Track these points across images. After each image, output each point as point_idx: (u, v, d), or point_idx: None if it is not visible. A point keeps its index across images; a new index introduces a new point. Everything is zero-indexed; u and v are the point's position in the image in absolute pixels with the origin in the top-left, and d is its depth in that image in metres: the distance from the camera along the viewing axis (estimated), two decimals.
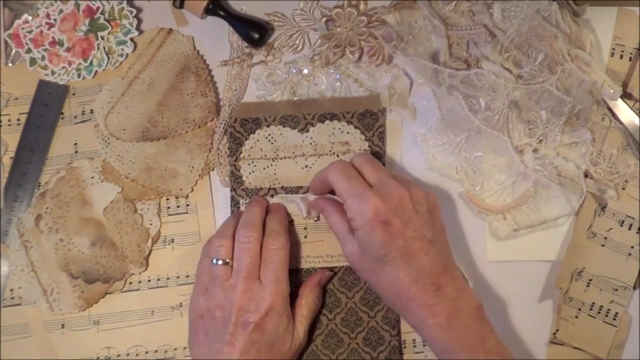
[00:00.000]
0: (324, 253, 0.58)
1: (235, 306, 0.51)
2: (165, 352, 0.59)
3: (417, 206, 0.51)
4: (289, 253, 0.55)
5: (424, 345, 0.58)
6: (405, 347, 0.58)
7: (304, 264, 0.58)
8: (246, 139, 0.60)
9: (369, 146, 0.59)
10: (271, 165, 0.60)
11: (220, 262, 0.53)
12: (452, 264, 0.52)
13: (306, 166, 0.60)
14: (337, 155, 0.60)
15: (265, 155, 0.60)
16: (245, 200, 0.60)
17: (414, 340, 0.58)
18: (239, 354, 0.50)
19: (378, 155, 0.59)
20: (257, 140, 0.60)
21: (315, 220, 0.59)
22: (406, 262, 0.49)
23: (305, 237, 0.59)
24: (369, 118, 0.60)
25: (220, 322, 0.52)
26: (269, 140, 0.60)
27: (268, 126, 0.60)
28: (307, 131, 0.60)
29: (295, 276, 0.58)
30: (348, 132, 0.60)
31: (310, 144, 0.60)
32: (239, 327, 0.51)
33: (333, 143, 0.60)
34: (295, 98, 0.62)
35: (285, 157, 0.60)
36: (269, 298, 0.51)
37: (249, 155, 0.60)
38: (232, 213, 0.60)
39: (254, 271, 0.53)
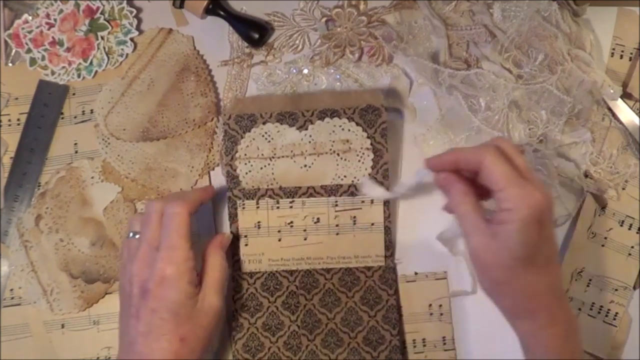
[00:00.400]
0: (324, 255, 0.58)
1: (135, 277, 0.51)
2: None
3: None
4: (188, 220, 0.52)
5: (424, 346, 0.58)
6: (405, 348, 0.58)
7: (304, 266, 0.58)
8: (241, 137, 0.59)
9: (371, 144, 0.58)
10: (268, 164, 0.59)
11: (133, 235, 0.53)
12: None
13: (305, 165, 0.59)
14: (338, 154, 0.58)
15: (262, 155, 0.59)
16: (243, 201, 0.58)
17: (414, 340, 0.58)
18: (143, 325, 0.50)
19: (380, 153, 0.58)
20: (253, 139, 0.59)
21: (315, 222, 0.58)
22: (547, 267, 0.47)
23: (305, 239, 0.58)
24: (371, 114, 0.58)
25: (127, 295, 0.51)
26: (266, 139, 0.59)
27: (264, 123, 0.59)
28: (306, 129, 0.58)
29: (295, 277, 0.58)
30: (349, 130, 0.58)
31: (309, 142, 0.58)
32: (140, 298, 0.50)
33: (333, 141, 0.58)
34: (293, 91, 0.61)
35: (283, 156, 0.58)
36: (161, 265, 0.50)
37: (245, 155, 0.59)
38: (229, 214, 0.59)
39: (153, 241, 0.51)
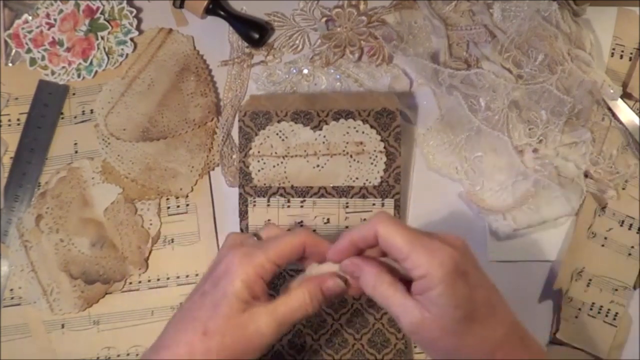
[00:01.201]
0: None
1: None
2: None
3: (474, 255, 0.45)
4: (296, 250, 0.47)
5: None
6: (405, 348, 0.58)
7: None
8: (256, 134, 0.59)
9: (385, 147, 0.58)
10: (281, 163, 0.59)
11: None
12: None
13: (318, 166, 0.58)
14: (351, 156, 0.58)
15: (276, 153, 0.59)
16: (254, 198, 0.58)
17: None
18: (187, 303, 0.47)
19: (393, 157, 0.58)
20: (268, 137, 0.59)
21: (325, 223, 0.57)
22: (492, 315, 0.43)
23: None
24: (385, 117, 0.58)
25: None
26: (280, 137, 0.59)
27: (279, 122, 0.59)
28: (320, 129, 0.58)
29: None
30: (363, 132, 0.58)
31: (323, 142, 0.58)
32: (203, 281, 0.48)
33: (347, 143, 0.58)
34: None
35: (296, 156, 0.58)
36: (233, 257, 0.46)
37: (259, 152, 0.59)
38: (240, 211, 0.59)
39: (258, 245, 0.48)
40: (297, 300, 0.46)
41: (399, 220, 0.45)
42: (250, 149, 0.59)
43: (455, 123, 0.60)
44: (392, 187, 0.58)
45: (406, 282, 0.44)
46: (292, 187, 0.58)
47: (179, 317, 0.46)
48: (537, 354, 0.44)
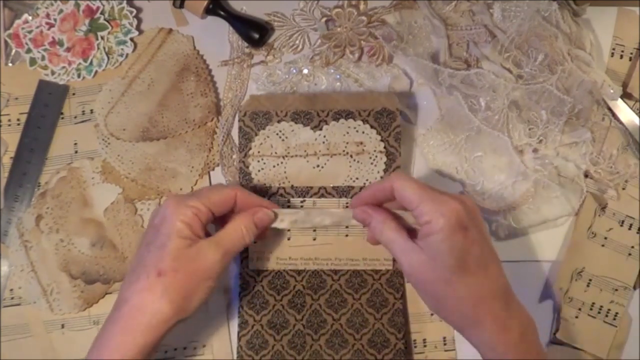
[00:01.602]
0: (332, 256, 0.58)
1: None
2: (165, 352, 0.59)
3: (481, 217, 0.49)
4: (227, 195, 0.52)
5: (425, 346, 0.58)
6: (405, 348, 0.58)
7: (312, 266, 0.58)
8: (256, 134, 0.59)
9: (385, 147, 0.58)
10: (281, 163, 0.59)
11: None
12: (508, 281, 0.49)
13: (318, 166, 0.59)
14: (351, 156, 0.58)
15: (276, 153, 0.59)
16: None
17: (414, 340, 0.58)
18: (135, 259, 0.51)
19: (393, 157, 0.58)
20: (268, 137, 0.59)
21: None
22: (482, 271, 0.46)
23: (314, 239, 0.58)
24: (385, 117, 0.58)
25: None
26: (280, 137, 0.59)
27: (279, 122, 0.59)
28: (320, 129, 0.59)
29: (302, 277, 0.58)
30: (363, 132, 0.58)
31: (323, 142, 0.59)
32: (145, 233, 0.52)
33: (347, 143, 0.58)
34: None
35: (296, 156, 0.59)
36: (167, 204, 0.51)
37: (259, 152, 0.59)
38: None
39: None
40: (234, 231, 0.51)
41: (413, 177, 0.51)
42: (250, 149, 0.59)
43: (455, 123, 0.60)
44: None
45: (413, 233, 0.49)
46: (292, 187, 0.59)
47: (131, 270, 0.50)
48: (517, 316, 0.47)
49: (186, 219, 0.49)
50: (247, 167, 0.59)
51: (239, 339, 0.57)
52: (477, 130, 0.59)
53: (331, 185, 0.58)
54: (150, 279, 0.48)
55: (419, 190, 0.48)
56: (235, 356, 0.58)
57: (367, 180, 0.58)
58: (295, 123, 0.59)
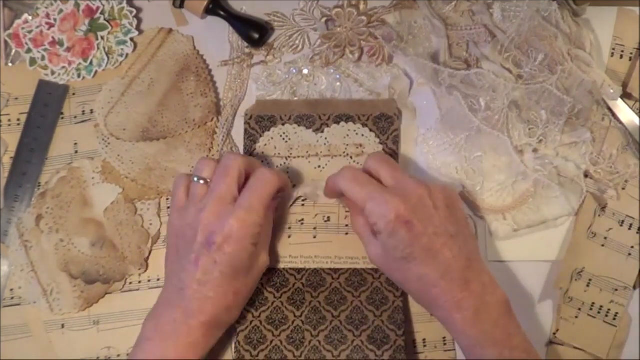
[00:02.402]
0: (333, 254, 0.58)
1: (201, 224, 0.50)
2: None
3: (436, 202, 0.51)
4: (275, 192, 0.53)
5: (425, 346, 0.58)
6: (405, 345, 0.58)
7: (312, 264, 0.58)
8: (260, 136, 0.60)
9: (383, 150, 0.59)
10: (284, 163, 0.60)
11: (201, 181, 0.53)
12: (477, 257, 0.52)
13: (319, 166, 0.60)
14: (351, 157, 0.59)
15: (279, 154, 0.60)
16: None
17: (414, 341, 0.58)
18: (202, 274, 0.50)
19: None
20: (272, 138, 0.60)
21: (326, 221, 0.59)
22: (431, 258, 0.49)
23: (314, 237, 0.59)
24: (384, 122, 0.60)
25: (189, 241, 0.51)
26: (283, 139, 0.60)
27: (283, 124, 0.60)
28: (322, 132, 0.60)
29: (302, 275, 0.58)
30: (363, 135, 0.60)
31: (325, 144, 0.60)
32: (203, 247, 0.50)
33: (347, 145, 0.60)
34: (312, 98, 0.62)
35: (298, 157, 0.60)
36: (233, 222, 0.50)
37: (263, 153, 0.60)
38: None
39: (227, 194, 0.51)
40: (269, 225, 0.56)
41: (361, 173, 0.53)
42: (255, 149, 0.60)
43: (455, 123, 0.60)
44: None
45: None
46: (294, 186, 0.59)
47: (202, 281, 0.51)
48: (474, 296, 0.49)
49: (256, 239, 0.52)
50: None
51: (237, 334, 0.57)
52: (477, 130, 0.59)
53: None
54: (228, 297, 0.52)
55: (361, 191, 0.51)
56: (233, 352, 0.58)
57: None
58: (299, 126, 0.60)
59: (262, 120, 0.60)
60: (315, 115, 0.60)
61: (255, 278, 0.54)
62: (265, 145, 0.60)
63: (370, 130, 0.60)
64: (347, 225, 0.58)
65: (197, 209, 0.52)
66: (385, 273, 0.55)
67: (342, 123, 0.60)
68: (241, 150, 0.61)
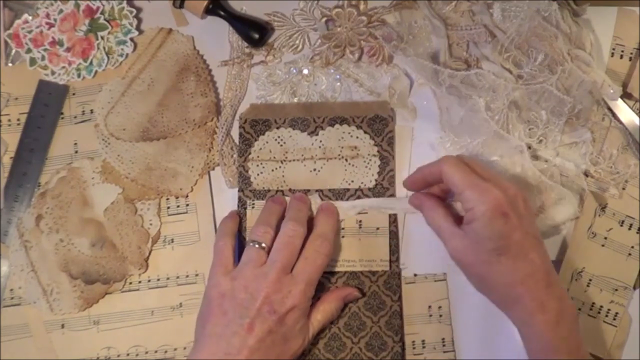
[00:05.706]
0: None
1: (262, 292, 0.51)
2: (165, 352, 0.60)
3: (525, 204, 0.51)
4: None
5: (424, 347, 0.58)
6: (403, 351, 0.58)
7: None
8: (255, 140, 0.60)
9: (378, 151, 0.59)
10: (279, 167, 0.60)
11: (257, 245, 0.54)
12: (553, 267, 0.52)
13: (314, 169, 0.60)
14: (346, 160, 0.59)
15: (274, 157, 0.60)
16: (253, 201, 0.59)
17: (413, 342, 0.58)
18: (255, 341, 0.50)
19: (387, 160, 0.59)
20: (267, 142, 0.60)
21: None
22: (522, 255, 0.49)
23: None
24: (378, 123, 0.60)
25: (242, 304, 0.51)
26: (278, 142, 0.60)
27: (278, 128, 0.60)
28: (317, 134, 0.60)
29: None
30: (357, 137, 0.60)
31: (320, 147, 0.60)
32: (261, 314, 0.51)
33: (342, 147, 0.60)
34: (305, 100, 0.62)
35: (293, 160, 0.60)
36: (298, 295, 0.52)
37: (258, 157, 0.60)
38: (238, 214, 0.60)
39: (289, 265, 0.53)
40: (329, 314, 0.56)
41: (462, 161, 0.52)
42: (250, 153, 0.60)
43: (473, 127, 0.60)
44: (387, 189, 0.59)
45: (460, 220, 0.52)
46: (290, 190, 0.59)
47: (254, 348, 0.51)
48: (556, 299, 0.49)
49: (308, 312, 0.54)
50: (247, 171, 0.60)
51: None
52: (494, 134, 0.59)
53: (328, 188, 0.59)
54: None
55: (464, 177, 0.51)
56: None
57: (362, 182, 0.59)
58: (293, 129, 0.60)
59: (256, 124, 0.61)
60: (310, 118, 0.60)
61: (295, 348, 0.54)
62: (261, 149, 0.60)
63: (365, 132, 0.60)
64: (343, 228, 0.58)
65: (255, 274, 0.52)
66: (466, 267, 0.52)
67: (337, 125, 0.60)
68: (236, 153, 0.61)
